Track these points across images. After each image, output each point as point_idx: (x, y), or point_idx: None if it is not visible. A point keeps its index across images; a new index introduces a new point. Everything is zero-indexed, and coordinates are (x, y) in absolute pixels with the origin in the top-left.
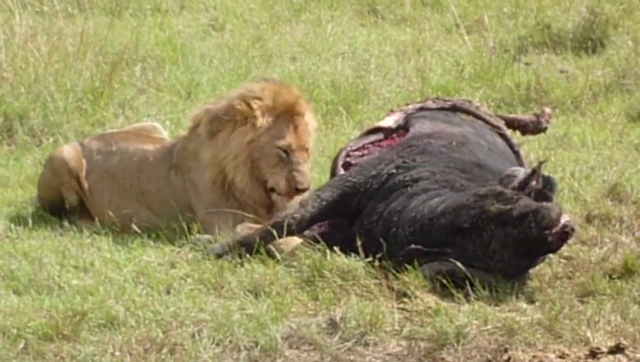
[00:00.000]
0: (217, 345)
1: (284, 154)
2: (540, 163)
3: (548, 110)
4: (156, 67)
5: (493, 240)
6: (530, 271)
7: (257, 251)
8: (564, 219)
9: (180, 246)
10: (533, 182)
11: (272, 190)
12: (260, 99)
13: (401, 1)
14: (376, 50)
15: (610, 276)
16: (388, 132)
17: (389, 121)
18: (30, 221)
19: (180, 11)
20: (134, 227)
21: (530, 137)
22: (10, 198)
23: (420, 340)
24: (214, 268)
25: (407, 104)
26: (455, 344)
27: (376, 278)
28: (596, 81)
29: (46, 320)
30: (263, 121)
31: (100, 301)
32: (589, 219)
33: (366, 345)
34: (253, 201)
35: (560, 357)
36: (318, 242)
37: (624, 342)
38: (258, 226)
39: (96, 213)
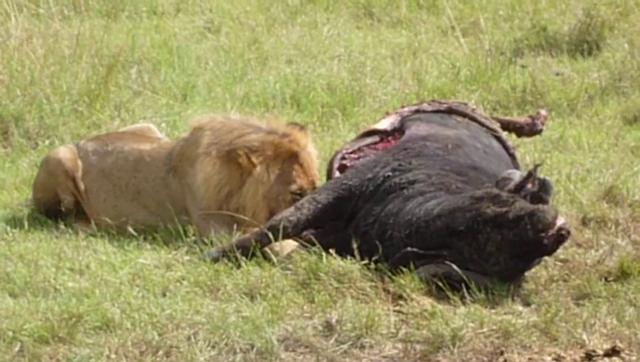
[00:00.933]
0: (213, 347)
1: (298, 197)
2: (536, 165)
3: (543, 112)
4: (152, 69)
5: (489, 242)
6: (526, 273)
7: (253, 254)
8: (560, 221)
9: (176, 249)
10: (529, 185)
11: None
12: (263, 151)
13: (397, 4)
14: (372, 53)
15: (605, 278)
16: (384, 134)
17: (385, 124)
18: (26, 223)
19: (175, 14)
20: (130, 229)
21: (526, 140)
22: (6, 201)
23: (415, 343)
24: (210, 271)
25: (403, 106)
26: (451, 346)
27: (372, 281)
28: (592, 84)
29: (42, 323)
30: (270, 173)
31: (96, 303)
32: (584, 222)
33: (362, 347)
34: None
35: (556, 359)
36: (314, 244)
37: (620, 344)
38: (254, 229)
39: (92, 214)
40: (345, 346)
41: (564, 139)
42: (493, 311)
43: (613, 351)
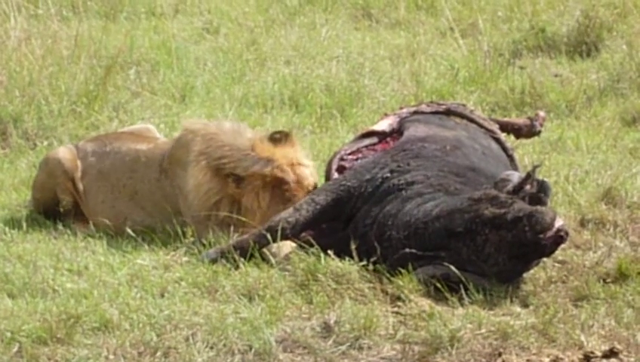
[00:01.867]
0: (211, 348)
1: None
2: (535, 167)
3: (542, 114)
4: (150, 70)
5: (488, 244)
6: (525, 275)
7: (252, 255)
8: (559, 223)
9: (174, 250)
10: (528, 186)
11: None
12: (247, 182)
13: (396, 5)
14: (371, 54)
15: (604, 280)
16: (382, 136)
17: (383, 125)
18: (24, 224)
19: (174, 15)
20: (128, 230)
21: (525, 141)
22: (5, 202)
23: (414, 344)
24: (208, 272)
25: (402, 108)
26: (449, 348)
27: (371, 282)
28: (590, 85)
29: (40, 324)
30: (259, 202)
31: (94, 304)
32: (583, 223)
33: (360, 348)
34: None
35: (554, 361)
36: (312, 245)
37: (618, 346)
38: (252, 230)
39: (91, 214)
40: (343, 347)
41: (562, 140)
42: (491, 312)
43: (612, 353)
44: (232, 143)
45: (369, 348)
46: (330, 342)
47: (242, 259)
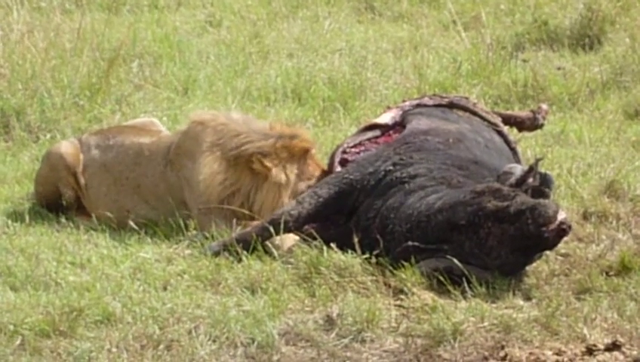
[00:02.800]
0: (214, 341)
1: None
2: (537, 160)
3: (545, 107)
4: (153, 63)
5: (490, 237)
6: (527, 268)
7: (254, 248)
8: (561, 216)
9: (176, 243)
10: (530, 179)
11: None
12: (277, 154)
13: None
14: (374, 47)
15: (606, 273)
16: (385, 128)
17: (386, 118)
18: (27, 217)
19: (177, 7)
20: (131, 223)
21: (527, 134)
22: (7, 195)
23: (416, 337)
24: (211, 265)
25: (404, 101)
26: (452, 341)
27: (373, 275)
28: (593, 78)
29: (43, 317)
30: (287, 175)
31: (97, 297)
32: (585, 216)
33: (363, 341)
34: None
35: (556, 354)
36: (315, 238)
37: (621, 339)
38: (255, 223)
39: (93, 209)
40: (346, 340)
41: (565, 133)
42: (494, 305)
43: (614, 346)
44: (247, 130)
45: (372, 341)
46: (333, 335)
47: (245, 252)
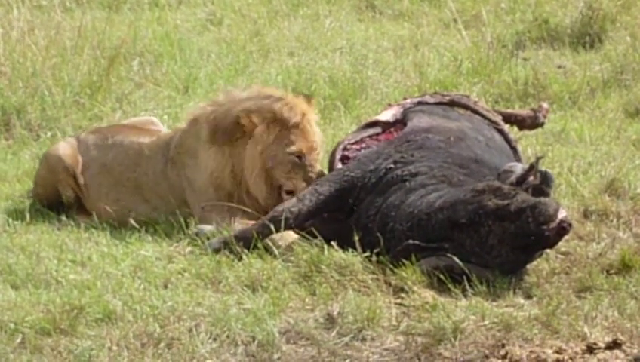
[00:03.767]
0: (215, 339)
1: (297, 160)
2: (538, 158)
3: (545, 105)
4: (154, 61)
5: (491, 235)
6: (528, 266)
7: (255, 246)
8: (562, 214)
9: (177, 241)
10: (531, 178)
11: (290, 192)
12: (262, 113)
13: None
14: (374, 45)
15: (607, 271)
16: (386, 126)
17: (387, 115)
18: (28, 215)
19: (177, 6)
20: (132, 221)
21: (528, 132)
22: (8, 193)
23: (417, 335)
24: (212, 263)
25: (405, 98)
26: (452, 339)
27: (374, 273)
28: (594, 77)
29: (43, 315)
30: (269, 134)
31: (98, 295)
32: (586, 215)
33: (363, 340)
34: (265, 204)
35: (557, 352)
36: (316, 236)
37: (621, 337)
38: (255, 221)
39: (93, 208)
40: (346, 339)
41: (565, 131)
42: (494, 303)
43: (615, 344)
44: (234, 97)
45: (372, 339)
46: (334, 333)
47: (245, 250)
